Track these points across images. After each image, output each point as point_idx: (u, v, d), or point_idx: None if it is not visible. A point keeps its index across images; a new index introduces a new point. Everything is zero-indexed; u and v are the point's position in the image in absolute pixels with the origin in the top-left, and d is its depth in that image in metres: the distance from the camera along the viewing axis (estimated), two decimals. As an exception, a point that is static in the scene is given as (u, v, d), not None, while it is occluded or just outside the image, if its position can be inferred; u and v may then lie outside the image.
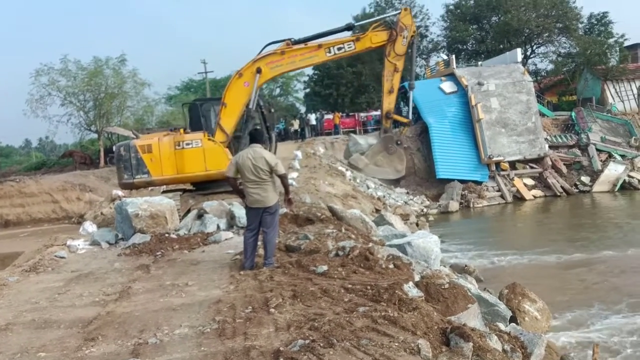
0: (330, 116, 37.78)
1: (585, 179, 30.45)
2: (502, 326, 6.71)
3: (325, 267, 6.89)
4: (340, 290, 5.87)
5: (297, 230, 10.40)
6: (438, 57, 44.57)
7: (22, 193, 28.08)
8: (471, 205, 27.33)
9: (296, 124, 39.40)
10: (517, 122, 31.22)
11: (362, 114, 38.65)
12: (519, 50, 35.68)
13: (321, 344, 4.23)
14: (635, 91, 39.14)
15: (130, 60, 55.93)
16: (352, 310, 5.14)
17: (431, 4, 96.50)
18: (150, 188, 16.58)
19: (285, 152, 25.73)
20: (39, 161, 48.61)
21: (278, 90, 53.41)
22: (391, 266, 7.06)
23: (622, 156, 31.72)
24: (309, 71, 46.73)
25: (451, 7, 47.94)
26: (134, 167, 13.85)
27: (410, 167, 28.63)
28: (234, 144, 14.61)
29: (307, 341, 4.31)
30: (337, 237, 9.10)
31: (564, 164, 31.28)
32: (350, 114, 39.51)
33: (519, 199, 28.83)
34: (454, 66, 34.31)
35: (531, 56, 45.96)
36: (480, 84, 31.60)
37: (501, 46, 42.88)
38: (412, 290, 5.78)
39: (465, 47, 47.28)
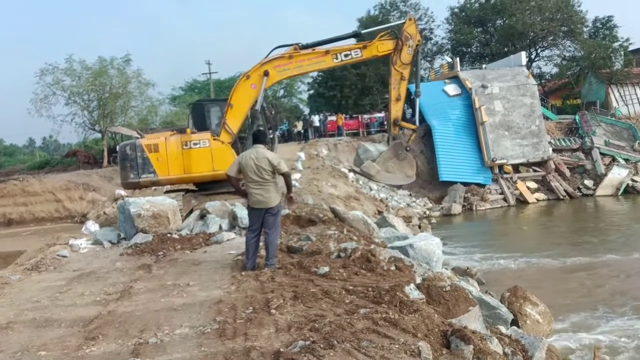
0: (333, 118, 37.77)
1: (588, 182, 30.39)
2: (503, 329, 6.68)
3: (326, 269, 6.88)
4: (341, 291, 5.87)
5: (299, 231, 10.41)
6: (442, 59, 44.47)
7: (25, 192, 28.11)
8: (474, 208, 27.29)
9: (299, 125, 39.38)
10: (521, 125, 31.19)
11: (365, 116, 38.61)
12: (523, 54, 35.69)
13: (321, 345, 4.22)
14: (639, 95, 39.06)
15: (134, 60, 56.17)
16: (353, 311, 5.14)
17: (436, 6, 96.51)
18: (153, 188, 16.61)
19: (288, 153, 25.78)
20: (42, 160, 48.71)
21: (282, 92, 53.36)
22: (393, 268, 7.05)
23: (626, 160, 31.65)
24: (313, 73, 46.75)
25: (456, 9, 48.00)
26: (140, 166, 13.82)
27: (413, 169, 28.64)
28: (238, 144, 14.65)
29: (308, 342, 4.30)
30: (339, 239, 9.09)
31: (568, 168, 31.23)
32: (354, 115, 39.50)
33: (521, 202, 28.79)
34: (458, 69, 34.30)
35: (535, 59, 45.95)
36: (484, 86, 31.59)
37: (506, 49, 42.84)
38: (413, 293, 5.77)
39: (469, 49, 47.27)
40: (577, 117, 35.17)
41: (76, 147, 47.74)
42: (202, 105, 15.73)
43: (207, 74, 50.96)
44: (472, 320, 5.75)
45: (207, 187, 14.59)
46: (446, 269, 10.74)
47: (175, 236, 10.64)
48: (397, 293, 5.48)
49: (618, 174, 30.06)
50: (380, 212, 20.80)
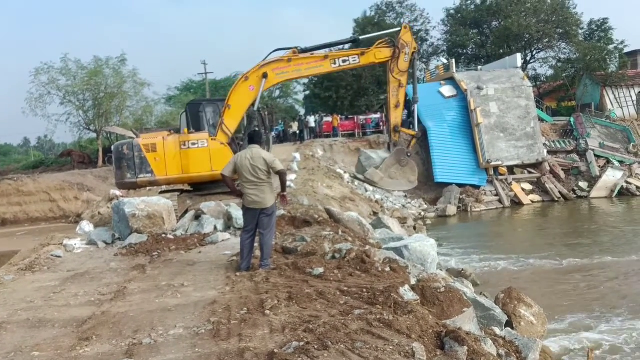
0: (329, 119, 37.77)
1: (583, 184, 30.49)
2: (497, 330, 6.70)
3: (321, 270, 6.88)
4: (336, 292, 5.87)
5: (294, 232, 10.40)
6: (438, 61, 44.69)
7: (19, 192, 28.02)
8: (469, 210, 27.35)
9: (295, 126, 39.35)
10: (516, 127, 31.27)
11: (361, 117, 38.63)
12: (518, 56, 35.77)
13: (316, 346, 4.22)
14: (634, 97, 39.25)
15: (130, 60, 56.04)
16: (348, 312, 5.14)
17: (432, 8, 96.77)
18: (148, 188, 16.56)
19: (283, 154, 25.74)
20: (37, 160, 48.55)
21: (278, 92, 53.36)
22: (387, 269, 7.05)
23: (621, 162, 31.78)
24: (310, 74, 46.71)
25: (452, 11, 48.09)
26: (138, 166, 13.73)
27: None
28: (233, 145, 14.64)
29: (302, 343, 4.30)
30: (334, 240, 9.09)
31: (562, 169, 31.33)
32: (350, 116, 39.52)
33: (516, 203, 28.86)
34: (454, 70, 34.38)
35: (531, 61, 46.08)
36: (479, 88, 31.66)
37: (501, 51, 42.94)
38: (407, 294, 5.77)
39: (465, 51, 47.37)
40: (572, 119, 35.29)
41: (71, 147, 47.64)
42: (197, 105, 15.69)
43: (203, 74, 50.95)
44: (467, 322, 5.75)
45: (202, 187, 14.55)
46: (441, 270, 10.77)
47: (170, 237, 10.62)
48: (392, 294, 5.49)
49: (612, 176, 30.17)
50: (375, 213, 20.82)
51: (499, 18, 44.57)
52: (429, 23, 48.57)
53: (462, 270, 12.97)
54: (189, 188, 15.31)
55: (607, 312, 10.76)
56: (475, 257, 16.22)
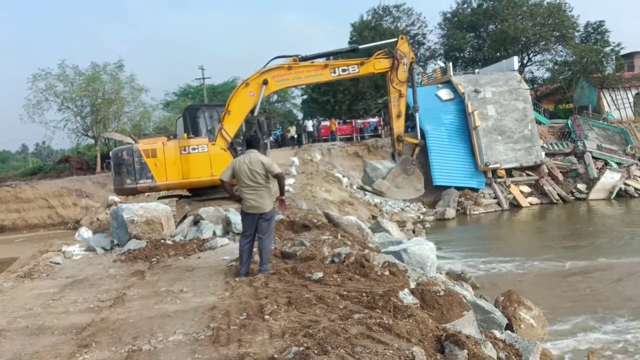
0: (327, 123, 37.81)
1: (581, 186, 30.53)
2: (497, 333, 6.68)
3: (320, 274, 6.87)
4: (335, 297, 5.86)
5: (293, 236, 10.40)
6: (435, 64, 44.69)
7: (18, 198, 28.03)
8: (468, 212, 27.36)
9: (293, 130, 39.38)
10: (514, 129, 31.32)
11: (359, 121, 38.67)
12: (515, 58, 35.87)
13: (315, 351, 4.21)
14: (631, 99, 39.35)
15: (127, 66, 55.95)
16: (347, 317, 5.13)
17: (429, 11, 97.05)
18: (147, 194, 16.54)
19: (282, 158, 25.77)
20: (35, 166, 48.54)
21: (275, 97, 53.43)
22: (387, 273, 7.05)
23: (618, 164, 31.82)
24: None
25: (448, 15, 48.26)
26: (137, 171, 13.68)
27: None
28: (232, 150, 14.65)
29: (302, 348, 4.29)
30: (333, 244, 9.09)
31: (560, 172, 31.36)
32: (347, 120, 39.56)
33: (515, 206, 28.88)
34: (451, 74, 34.43)
35: (528, 64, 46.23)
36: (477, 91, 31.71)
37: (498, 54, 43.06)
38: (407, 298, 5.76)
39: (462, 54, 47.47)
40: (569, 122, 35.36)
41: (69, 153, 47.63)
42: (195, 110, 15.71)
43: (201, 79, 51.01)
44: (466, 325, 5.75)
45: (201, 192, 14.55)
46: (440, 273, 10.77)
47: (169, 242, 10.61)
48: (391, 298, 5.48)
49: (611, 178, 30.21)
50: (374, 217, 20.84)
51: (495, 21, 44.70)
52: (425, 27, 48.76)
53: (462, 273, 12.99)
54: (187, 193, 15.31)
55: (609, 313, 10.75)
56: (475, 260, 16.21)
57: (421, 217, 26.47)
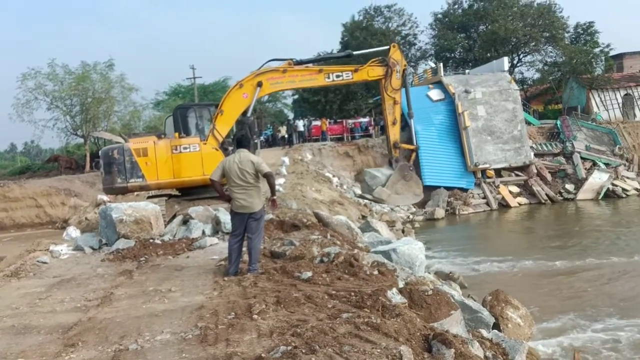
0: (317, 122, 37.80)
1: (569, 186, 30.71)
2: (484, 333, 6.72)
3: (309, 274, 6.88)
4: (324, 296, 5.87)
5: (282, 236, 10.40)
6: (426, 64, 44.82)
7: (5, 197, 27.78)
8: (457, 212, 27.43)
9: (284, 130, 39.36)
10: (503, 130, 31.45)
11: (349, 121, 38.70)
12: (505, 59, 36.04)
13: (303, 351, 4.21)
14: (619, 100, 39.67)
15: (118, 65, 55.80)
16: (336, 316, 5.14)
17: (419, 12, 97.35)
18: (136, 193, 16.48)
19: (272, 158, 25.74)
20: (23, 165, 48.21)
21: (267, 96, 53.33)
22: (375, 272, 7.07)
23: (607, 164, 32.04)
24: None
25: (439, 15, 48.38)
26: (128, 170, 13.61)
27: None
28: (222, 150, 14.64)
29: (290, 347, 4.30)
30: (323, 244, 9.10)
31: (549, 172, 31.53)
32: (338, 120, 39.57)
33: (504, 206, 29.00)
34: (442, 74, 34.51)
35: (518, 65, 46.48)
36: (467, 91, 31.81)
37: (488, 55, 43.24)
38: (395, 297, 5.78)
39: (452, 55, 47.63)
40: (558, 122, 35.56)
41: (58, 153, 47.35)
42: (185, 109, 15.67)
43: (192, 79, 50.87)
44: (454, 324, 5.78)
45: (191, 192, 14.51)
46: (429, 273, 10.82)
47: (158, 242, 10.57)
48: (380, 297, 5.49)
49: (599, 178, 30.41)
50: (364, 217, 20.85)
51: (486, 22, 44.89)
52: (416, 27, 48.91)
53: (450, 273, 13.03)
54: (177, 193, 15.26)
55: (597, 312, 10.82)
56: (463, 259, 16.28)
57: (410, 217, 26.50)
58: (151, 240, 10.56)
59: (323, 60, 16.66)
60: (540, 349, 8.47)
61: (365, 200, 25.56)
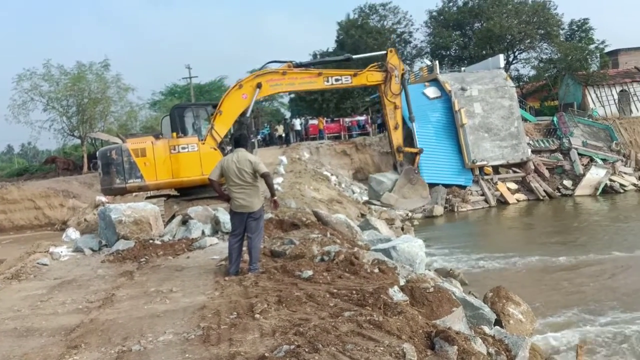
0: (315, 121, 37.80)
1: (567, 182, 30.76)
2: (486, 329, 6.73)
3: (310, 272, 6.88)
4: (325, 295, 5.87)
5: (282, 235, 10.40)
6: (422, 62, 44.80)
7: (4, 199, 27.74)
8: (455, 210, 27.46)
9: (281, 129, 39.36)
10: (500, 127, 31.48)
11: (346, 119, 38.71)
12: (501, 56, 36.03)
13: (306, 349, 4.22)
14: (615, 96, 39.73)
15: (113, 65, 55.65)
16: (338, 315, 5.14)
17: (415, 10, 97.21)
18: (134, 194, 16.45)
19: (270, 157, 25.72)
20: (21, 167, 48.07)
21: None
22: (376, 270, 7.07)
23: (604, 160, 32.10)
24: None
25: (434, 13, 48.40)
26: (127, 171, 13.56)
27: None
28: (220, 150, 14.63)
29: (292, 346, 4.30)
30: (323, 242, 9.10)
31: (547, 168, 31.58)
32: (335, 119, 39.58)
33: (502, 202, 29.03)
34: (438, 72, 34.52)
35: (513, 62, 46.47)
36: (463, 89, 31.84)
37: (484, 52, 43.24)
38: (397, 295, 5.79)
39: (448, 53, 47.66)
40: (554, 119, 35.61)
41: (55, 154, 47.24)
42: (182, 109, 15.65)
43: (188, 79, 50.77)
44: (456, 321, 5.78)
45: (189, 192, 14.49)
46: (429, 270, 10.81)
47: (158, 242, 10.56)
48: (381, 295, 5.50)
49: (596, 174, 30.47)
50: (363, 215, 20.84)
51: (481, 20, 44.94)
52: (412, 25, 49.00)
53: (451, 270, 13.03)
54: (175, 193, 15.24)
55: (600, 307, 10.84)
56: (463, 256, 16.28)
57: (409, 214, 26.50)
58: (151, 241, 10.55)
59: (322, 63, 16.67)
60: (542, 344, 8.49)
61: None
